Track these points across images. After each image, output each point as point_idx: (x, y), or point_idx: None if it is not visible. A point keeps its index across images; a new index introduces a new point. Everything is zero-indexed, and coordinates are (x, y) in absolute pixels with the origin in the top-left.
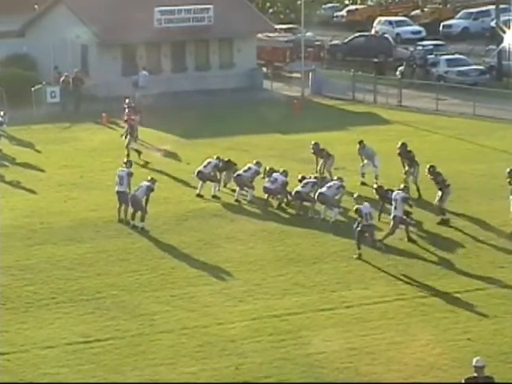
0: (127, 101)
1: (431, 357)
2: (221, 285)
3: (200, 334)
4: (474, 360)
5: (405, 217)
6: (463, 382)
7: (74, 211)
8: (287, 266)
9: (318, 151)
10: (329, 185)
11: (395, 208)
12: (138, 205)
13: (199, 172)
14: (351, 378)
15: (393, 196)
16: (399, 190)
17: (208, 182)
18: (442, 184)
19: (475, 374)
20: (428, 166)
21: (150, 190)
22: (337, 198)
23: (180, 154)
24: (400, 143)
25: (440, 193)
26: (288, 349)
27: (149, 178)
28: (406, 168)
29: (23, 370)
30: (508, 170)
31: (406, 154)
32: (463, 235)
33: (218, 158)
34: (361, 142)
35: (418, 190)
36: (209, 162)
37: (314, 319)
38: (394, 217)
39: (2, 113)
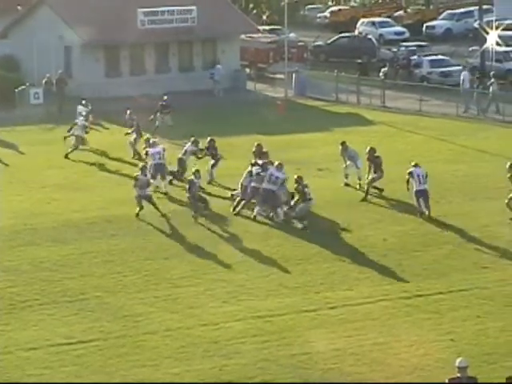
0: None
1: (415, 357)
2: (204, 286)
3: (184, 335)
4: (458, 360)
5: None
6: (447, 382)
7: (58, 212)
8: (271, 267)
9: (260, 153)
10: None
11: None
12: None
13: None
14: (335, 378)
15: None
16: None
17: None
18: (379, 168)
19: (458, 375)
20: (368, 149)
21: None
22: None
23: None
24: (369, 147)
25: (374, 175)
26: (272, 350)
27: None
28: (371, 173)
29: (6, 372)
30: (509, 163)
31: (373, 159)
32: (446, 236)
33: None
34: (343, 143)
35: (367, 193)
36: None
37: (297, 320)
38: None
39: None
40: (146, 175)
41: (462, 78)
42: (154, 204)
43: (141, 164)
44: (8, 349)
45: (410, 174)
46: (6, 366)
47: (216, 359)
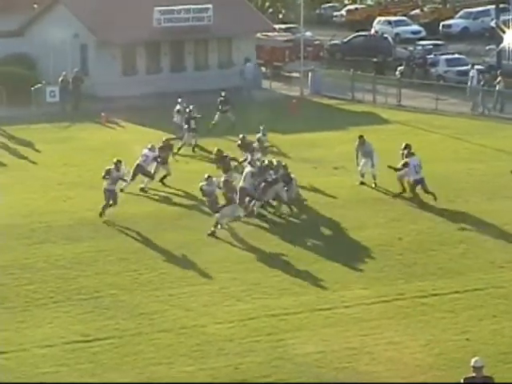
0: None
1: (430, 357)
2: (219, 284)
3: (198, 333)
4: (473, 360)
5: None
6: (462, 382)
7: (73, 210)
8: (284, 266)
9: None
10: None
11: (243, 180)
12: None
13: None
14: (350, 377)
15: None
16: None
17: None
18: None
19: (474, 374)
20: (404, 145)
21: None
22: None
23: (178, 154)
24: (404, 144)
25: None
26: (286, 348)
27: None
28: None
29: (22, 369)
30: None
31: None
32: (462, 235)
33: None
34: (361, 137)
35: (408, 187)
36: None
37: (312, 319)
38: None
39: None
40: (118, 170)
41: (470, 75)
42: (114, 201)
43: (115, 159)
44: (23, 346)
45: (407, 164)
46: (21, 363)
47: (231, 357)
